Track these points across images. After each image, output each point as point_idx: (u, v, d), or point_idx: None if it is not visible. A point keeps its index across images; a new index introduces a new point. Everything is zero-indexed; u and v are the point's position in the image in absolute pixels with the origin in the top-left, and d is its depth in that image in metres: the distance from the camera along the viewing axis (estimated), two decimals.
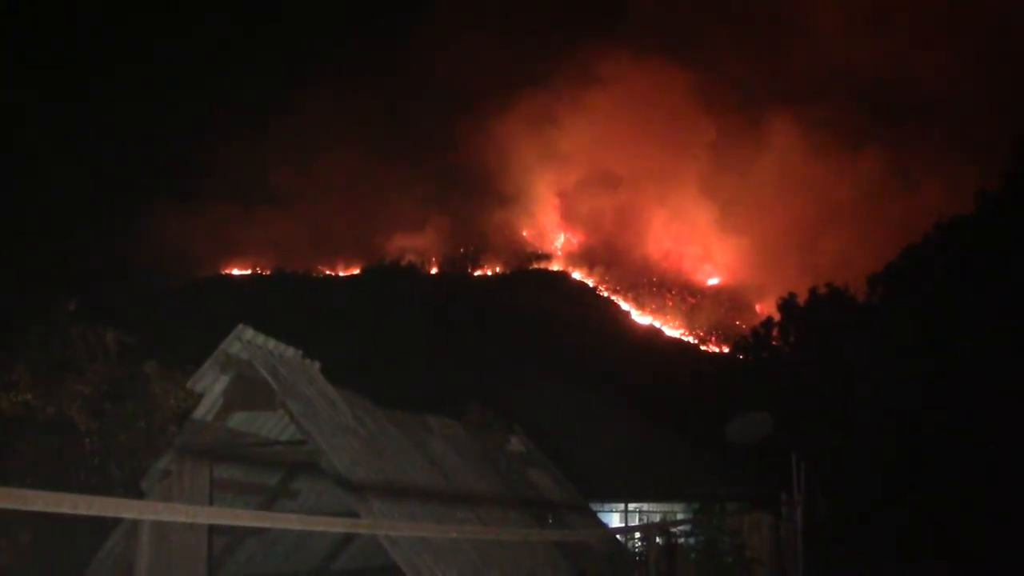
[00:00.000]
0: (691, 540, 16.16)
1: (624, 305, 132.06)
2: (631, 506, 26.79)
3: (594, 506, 19.59)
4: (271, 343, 9.54)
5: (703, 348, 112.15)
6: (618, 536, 18.48)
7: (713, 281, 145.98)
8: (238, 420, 9.87)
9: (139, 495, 9.24)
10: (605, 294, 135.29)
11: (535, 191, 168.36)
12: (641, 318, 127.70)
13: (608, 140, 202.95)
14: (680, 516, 22.56)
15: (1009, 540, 22.60)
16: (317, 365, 10.31)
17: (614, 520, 26.13)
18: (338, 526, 4.50)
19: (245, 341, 9.13)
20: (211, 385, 9.28)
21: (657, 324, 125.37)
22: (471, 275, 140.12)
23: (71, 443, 13.00)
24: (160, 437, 12.93)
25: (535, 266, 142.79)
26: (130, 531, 9.29)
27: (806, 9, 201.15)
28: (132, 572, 8.99)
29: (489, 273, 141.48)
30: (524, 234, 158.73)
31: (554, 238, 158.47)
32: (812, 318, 48.66)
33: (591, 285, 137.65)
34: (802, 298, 51.41)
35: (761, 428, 19.23)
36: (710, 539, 15.63)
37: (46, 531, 11.96)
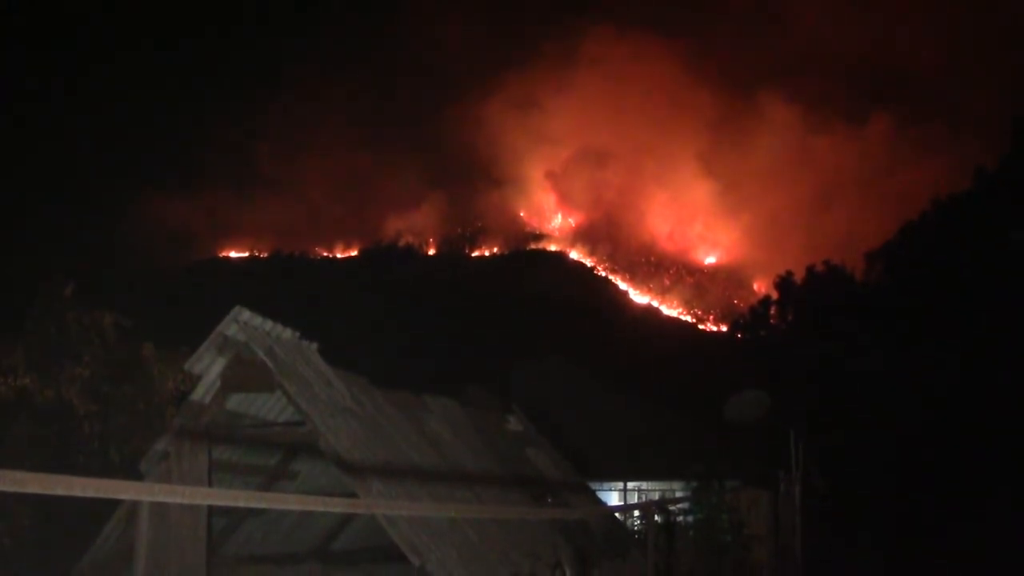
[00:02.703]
0: (690, 518, 16.23)
1: (622, 284, 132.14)
2: (630, 485, 26.88)
3: (593, 485, 19.65)
4: (268, 324, 9.53)
5: (701, 327, 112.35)
6: (617, 514, 18.55)
7: (711, 260, 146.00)
8: (236, 402, 9.88)
9: (138, 477, 9.25)
10: (603, 274, 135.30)
11: (532, 172, 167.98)
12: (639, 297, 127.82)
13: (603, 120, 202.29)
14: (679, 494, 22.63)
15: (1005, 525, 22.66)
16: (314, 346, 10.31)
17: (613, 499, 26.21)
18: (336, 506, 4.51)
19: (242, 323, 9.12)
20: (209, 367, 9.28)
21: (655, 303, 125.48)
22: (469, 256, 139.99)
23: (70, 426, 13.01)
24: (158, 419, 12.95)
25: (533, 246, 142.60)
26: (130, 513, 9.31)
27: None
28: (132, 554, 9.02)
29: (487, 253, 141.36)
30: (521, 214, 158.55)
31: (551, 218, 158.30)
32: (809, 297, 48.73)
33: (589, 265, 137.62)
34: (800, 276, 51.47)
35: (759, 406, 19.29)
36: (709, 517, 15.70)
37: (46, 514, 11.99)
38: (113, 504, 9.48)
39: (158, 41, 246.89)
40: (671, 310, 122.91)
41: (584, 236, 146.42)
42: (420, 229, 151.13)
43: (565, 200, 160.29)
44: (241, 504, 9.13)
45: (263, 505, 11.10)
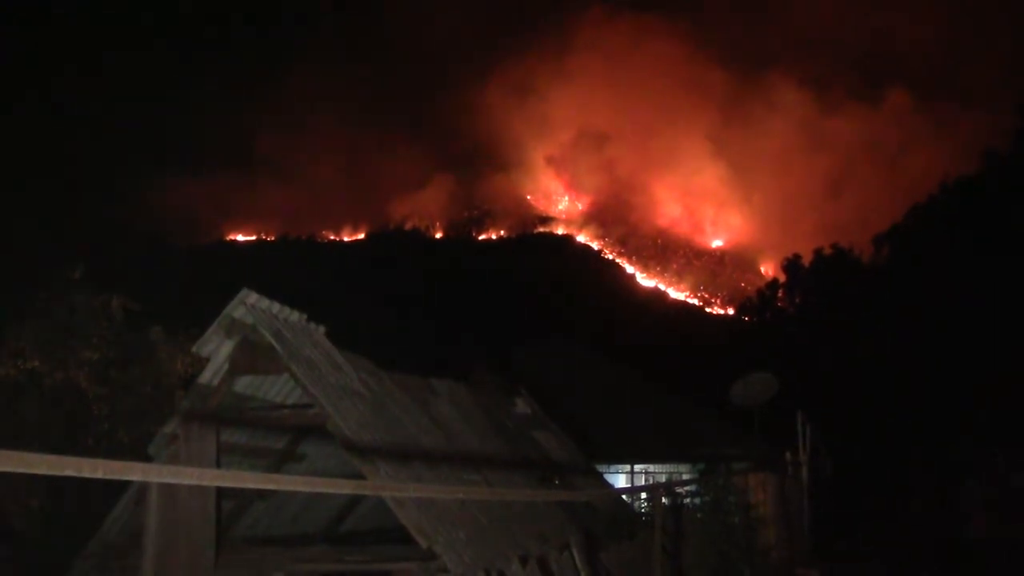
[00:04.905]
0: (697, 500, 16.25)
1: (629, 268, 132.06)
2: (637, 467, 26.88)
3: (600, 467, 19.67)
4: (275, 307, 9.53)
5: (708, 310, 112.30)
6: (624, 497, 18.58)
7: (718, 243, 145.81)
8: (244, 384, 9.88)
9: (147, 460, 9.27)
10: (610, 257, 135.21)
11: (539, 156, 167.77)
12: (646, 280, 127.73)
13: (609, 104, 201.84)
14: (686, 477, 22.66)
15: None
16: (322, 329, 10.31)
17: (620, 481, 26.24)
18: (343, 488, 4.51)
19: (249, 305, 9.11)
20: (216, 349, 9.28)
21: (662, 287, 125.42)
22: (476, 239, 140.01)
23: (79, 409, 13.06)
24: (167, 402, 12.98)
25: (540, 230, 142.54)
26: (139, 495, 9.34)
27: None
28: (142, 535, 9.06)
29: (494, 237, 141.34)
30: (528, 198, 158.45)
31: (558, 202, 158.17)
32: (817, 279, 48.65)
33: (596, 248, 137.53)
34: (807, 260, 51.36)
35: (766, 389, 19.26)
36: (716, 499, 15.72)
37: (57, 496, 12.06)
38: (122, 486, 9.51)
39: (164, 27, 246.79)
40: (678, 293, 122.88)
41: (591, 219, 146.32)
42: (427, 212, 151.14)
43: (573, 184, 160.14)
44: (249, 486, 9.14)
45: (271, 487, 11.12)
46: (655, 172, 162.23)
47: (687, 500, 16.39)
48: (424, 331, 72.85)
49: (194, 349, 9.51)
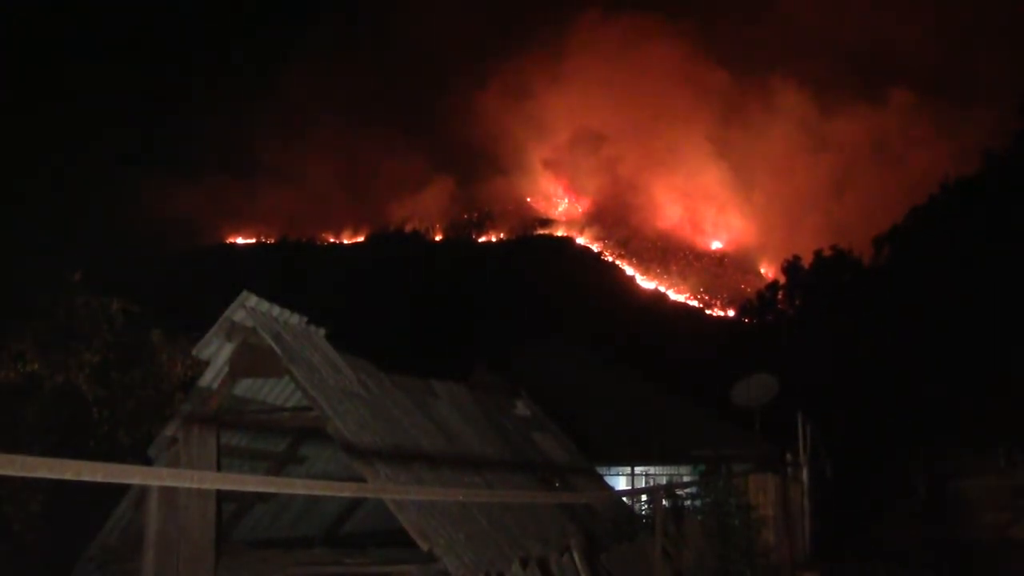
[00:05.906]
0: (697, 502, 16.24)
1: (629, 270, 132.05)
2: (637, 469, 26.89)
3: (600, 469, 19.66)
4: (275, 310, 9.53)
5: (708, 312, 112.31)
6: (625, 499, 18.57)
7: (718, 245, 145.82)
8: (244, 387, 9.88)
9: (147, 462, 9.27)
10: (610, 259, 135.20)
11: (539, 159, 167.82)
12: (646, 282, 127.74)
13: (610, 107, 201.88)
14: (686, 479, 22.66)
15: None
16: (322, 331, 10.31)
17: (620, 483, 26.24)
18: (344, 491, 4.51)
19: (249, 308, 9.11)
20: (217, 353, 9.28)
21: (662, 288, 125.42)
22: (476, 241, 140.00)
23: (79, 412, 13.05)
24: (167, 404, 12.98)
25: (540, 232, 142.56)
26: (139, 498, 9.34)
27: None
28: (142, 539, 9.06)
29: (494, 239, 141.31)
30: (528, 200, 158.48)
31: (558, 204, 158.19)
32: (817, 281, 48.66)
33: (596, 250, 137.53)
34: (807, 261, 51.38)
35: (767, 390, 19.28)
36: (717, 501, 15.71)
37: (56, 499, 12.05)
38: (122, 489, 9.51)
39: (163, 29, 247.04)
40: (678, 295, 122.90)
41: (591, 222, 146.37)
42: (427, 215, 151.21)
43: (573, 186, 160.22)
44: (250, 489, 9.14)
45: (271, 490, 11.13)
46: (655, 174, 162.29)
47: (687, 502, 16.38)
48: (424, 333, 72.84)
49: (194, 352, 9.50)
